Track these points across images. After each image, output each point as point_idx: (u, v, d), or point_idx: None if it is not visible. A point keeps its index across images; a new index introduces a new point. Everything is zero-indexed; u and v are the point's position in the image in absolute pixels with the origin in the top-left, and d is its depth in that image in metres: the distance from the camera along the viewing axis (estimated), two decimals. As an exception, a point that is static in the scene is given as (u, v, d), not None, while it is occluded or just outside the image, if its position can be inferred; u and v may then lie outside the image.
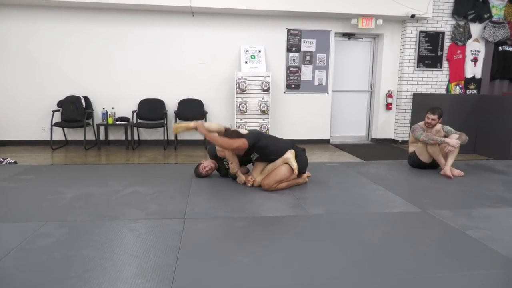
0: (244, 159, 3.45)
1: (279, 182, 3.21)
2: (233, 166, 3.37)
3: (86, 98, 5.63)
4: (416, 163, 4.16)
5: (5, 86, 5.55)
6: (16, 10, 5.39)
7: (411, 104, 6.34)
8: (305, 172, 3.42)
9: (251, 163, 3.55)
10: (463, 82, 6.43)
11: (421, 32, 6.15)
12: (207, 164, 3.60)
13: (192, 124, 3.31)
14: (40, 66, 5.58)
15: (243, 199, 2.99)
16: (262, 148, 3.22)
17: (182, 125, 3.38)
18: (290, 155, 3.19)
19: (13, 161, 4.35)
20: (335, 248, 2.13)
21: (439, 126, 4.03)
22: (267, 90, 5.55)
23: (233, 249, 2.09)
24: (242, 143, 3.10)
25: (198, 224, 2.46)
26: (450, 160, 3.85)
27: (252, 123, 5.57)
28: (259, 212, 2.72)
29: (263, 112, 5.57)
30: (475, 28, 6.33)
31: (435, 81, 6.38)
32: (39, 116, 5.64)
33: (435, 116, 3.93)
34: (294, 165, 3.14)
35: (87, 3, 5.26)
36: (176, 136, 5.75)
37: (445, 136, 3.95)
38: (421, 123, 4.08)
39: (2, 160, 4.32)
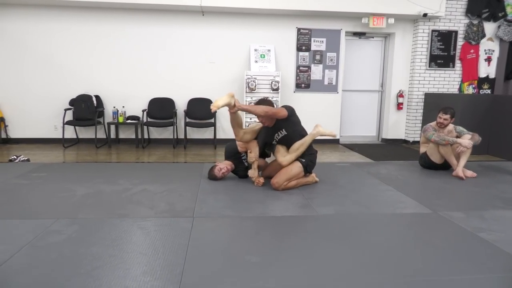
0: (268, 139, 3.37)
1: (289, 180, 3.20)
2: (252, 155, 3.30)
3: (97, 97, 5.69)
4: (427, 164, 4.10)
5: (18, 85, 5.65)
6: (29, 10, 5.48)
7: (422, 104, 6.25)
8: (311, 173, 3.41)
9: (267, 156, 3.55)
10: (476, 82, 6.32)
11: (433, 31, 6.06)
12: (224, 166, 3.50)
13: (232, 93, 3.16)
14: (53, 65, 5.66)
15: (252, 199, 2.99)
16: (293, 124, 3.27)
17: (223, 100, 3.07)
18: (319, 127, 3.33)
19: (26, 158, 4.43)
20: (344, 248, 2.11)
21: (451, 126, 3.97)
22: (277, 89, 5.53)
23: (242, 248, 2.09)
24: (281, 110, 3.18)
25: (207, 223, 2.46)
26: (463, 161, 3.78)
27: (261, 122, 5.55)
28: (268, 212, 2.71)
29: (272, 111, 5.54)
30: (489, 27, 6.22)
31: (448, 81, 6.28)
32: (51, 114, 5.72)
33: (447, 116, 3.87)
34: (327, 131, 3.30)
35: (98, 3, 5.31)
36: (185, 135, 5.78)
37: (457, 137, 3.89)
38: (433, 123, 4.02)
39: (15, 157, 4.40)
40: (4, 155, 4.82)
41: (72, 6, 5.48)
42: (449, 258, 2.01)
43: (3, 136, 5.67)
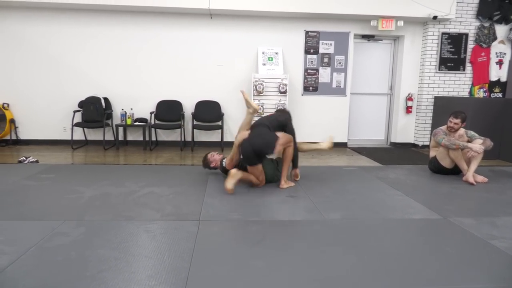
0: None
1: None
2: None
3: (106, 99, 5.74)
4: (437, 168, 4.04)
5: (28, 87, 5.71)
6: (39, 12, 5.55)
7: (432, 107, 6.17)
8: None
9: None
10: (487, 85, 6.22)
11: (443, 33, 5.99)
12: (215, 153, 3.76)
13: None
14: (62, 67, 5.72)
15: (258, 202, 2.97)
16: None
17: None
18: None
19: (35, 160, 4.47)
20: (352, 255, 2.08)
21: (462, 130, 3.90)
22: (284, 92, 5.51)
23: (248, 253, 2.07)
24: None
25: (213, 227, 2.45)
26: (473, 166, 3.72)
27: (269, 125, 5.53)
28: (274, 216, 2.69)
29: (280, 114, 5.53)
30: (501, 30, 6.12)
31: (458, 84, 6.20)
32: (60, 116, 5.78)
33: (458, 120, 3.82)
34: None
35: (108, 6, 5.35)
36: (193, 137, 5.79)
37: (468, 141, 3.83)
38: (443, 127, 3.97)
39: (24, 159, 4.45)
40: (13, 156, 4.87)
41: (81, 9, 5.53)
42: (461, 266, 1.96)
43: (13, 137, 5.74)
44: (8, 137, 5.70)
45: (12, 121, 5.69)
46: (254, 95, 5.49)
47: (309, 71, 6.04)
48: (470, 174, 3.69)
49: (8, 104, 5.68)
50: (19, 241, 2.14)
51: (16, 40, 5.59)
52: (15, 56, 5.63)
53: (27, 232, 2.28)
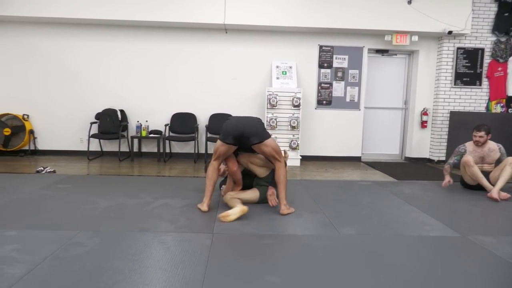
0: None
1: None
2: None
3: (122, 111, 5.84)
4: (463, 184, 4.08)
5: (47, 99, 5.87)
6: (58, 27, 5.73)
7: (448, 122, 6.09)
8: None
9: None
10: (504, 100, 6.12)
11: (458, 48, 5.95)
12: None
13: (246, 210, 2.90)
14: (80, 80, 5.87)
15: (272, 216, 2.95)
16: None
17: (235, 215, 2.83)
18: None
19: (52, 170, 4.56)
20: (367, 271, 2.04)
21: (494, 145, 3.85)
22: (298, 106, 5.52)
23: (262, 267, 2.05)
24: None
25: (226, 240, 2.44)
26: (500, 182, 3.64)
27: (282, 138, 5.54)
28: (288, 230, 2.67)
29: (293, 127, 5.54)
30: (518, 45, 6.05)
31: (474, 99, 6.11)
32: (77, 127, 5.91)
33: (482, 133, 3.77)
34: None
35: (125, 21, 5.51)
36: (206, 149, 5.82)
37: (499, 159, 3.84)
38: (469, 143, 3.94)
39: (42, 169, 4.54)
40: (31, 166, 4.98)
41: (100, 24, 5.70)
42: (478, 286, 1.90)
43: (32, 147, 5.88)
44: (26, 148, 5.83)
45: (31, 131, 5.84)
46: (267, 108, 5.52)
47: (322, 85, 6.05)
48: (495, 190, 3.60)
49: (28, 115, 5.84)
50: (36, 250, 2.17)
51: (36, 54, 5.78)
52: (35, 69, 5.81)
53: (43, 242, 2.31)
